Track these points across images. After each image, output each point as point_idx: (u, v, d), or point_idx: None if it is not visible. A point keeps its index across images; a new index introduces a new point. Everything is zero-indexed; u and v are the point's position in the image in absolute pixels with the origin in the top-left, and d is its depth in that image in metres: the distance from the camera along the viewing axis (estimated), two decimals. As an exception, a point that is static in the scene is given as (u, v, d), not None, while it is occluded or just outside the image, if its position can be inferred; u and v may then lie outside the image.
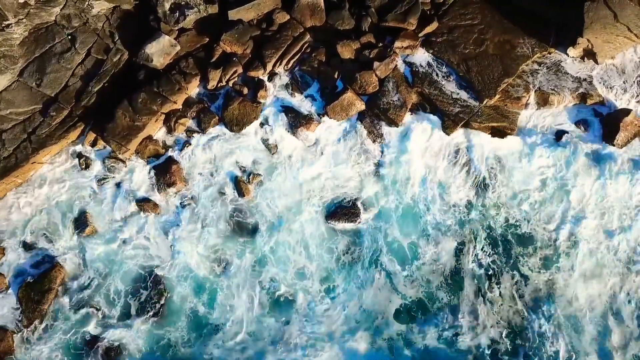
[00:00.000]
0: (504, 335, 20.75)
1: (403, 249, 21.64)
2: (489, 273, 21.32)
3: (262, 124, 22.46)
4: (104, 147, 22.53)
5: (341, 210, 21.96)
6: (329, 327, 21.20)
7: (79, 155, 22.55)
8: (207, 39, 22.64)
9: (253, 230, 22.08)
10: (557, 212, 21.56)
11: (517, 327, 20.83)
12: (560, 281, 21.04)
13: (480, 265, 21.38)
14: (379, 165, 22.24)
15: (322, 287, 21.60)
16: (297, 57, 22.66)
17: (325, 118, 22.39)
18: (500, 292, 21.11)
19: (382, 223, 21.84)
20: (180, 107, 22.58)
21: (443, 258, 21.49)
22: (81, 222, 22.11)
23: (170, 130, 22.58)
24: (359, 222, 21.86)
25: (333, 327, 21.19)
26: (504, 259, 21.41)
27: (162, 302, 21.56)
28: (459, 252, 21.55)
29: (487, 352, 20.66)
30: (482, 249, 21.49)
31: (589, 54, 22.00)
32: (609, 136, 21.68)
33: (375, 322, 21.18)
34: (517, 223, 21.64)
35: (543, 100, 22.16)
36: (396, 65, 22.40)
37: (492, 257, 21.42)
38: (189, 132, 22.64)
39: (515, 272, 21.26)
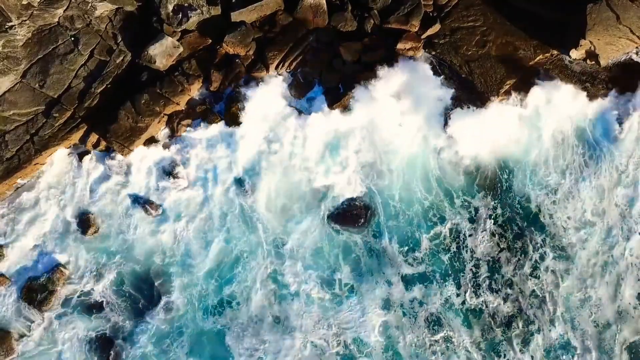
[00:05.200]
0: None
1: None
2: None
3: (265, 124, 22.50)
4: (107, 149, 22.52)
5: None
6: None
7: (82, 157, 22.53)
8: (210, 41, 22.65)
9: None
10: None
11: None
12: None
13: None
14: None
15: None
16: (299, 58, 22.68)
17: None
18: None
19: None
20: (183, 108, 22.61)
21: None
22: (83, 223, 22.12)
23: (173, 132, 22.60)
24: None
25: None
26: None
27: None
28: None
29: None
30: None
31: (592, 56, 22.01)
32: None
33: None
34: None
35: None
36: (398, 67, 22.40)
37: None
38: (192, 133, 22.64)
39: None
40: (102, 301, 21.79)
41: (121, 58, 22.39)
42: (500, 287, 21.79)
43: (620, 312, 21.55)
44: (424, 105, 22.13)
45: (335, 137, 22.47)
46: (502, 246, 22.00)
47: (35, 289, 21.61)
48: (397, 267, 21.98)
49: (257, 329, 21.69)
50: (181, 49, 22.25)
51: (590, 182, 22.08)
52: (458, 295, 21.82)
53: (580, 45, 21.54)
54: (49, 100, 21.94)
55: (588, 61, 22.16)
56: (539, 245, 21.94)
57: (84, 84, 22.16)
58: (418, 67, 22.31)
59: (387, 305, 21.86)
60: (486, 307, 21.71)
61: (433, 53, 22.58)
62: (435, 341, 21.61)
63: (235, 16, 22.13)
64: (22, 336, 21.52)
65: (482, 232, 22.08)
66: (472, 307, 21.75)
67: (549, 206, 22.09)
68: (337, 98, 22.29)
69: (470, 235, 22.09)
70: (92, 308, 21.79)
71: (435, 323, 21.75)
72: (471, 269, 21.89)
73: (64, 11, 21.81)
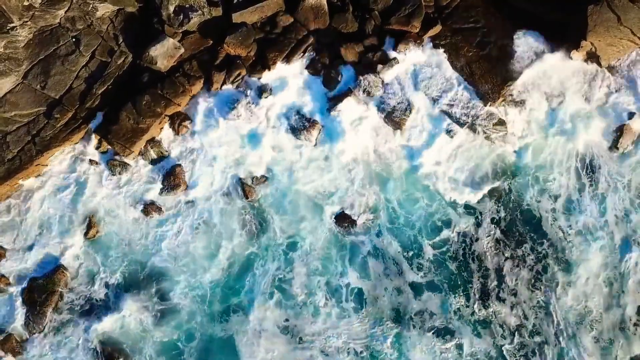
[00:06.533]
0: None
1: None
2: None
3: (266, 125, 22.46)
4: (108, 150, 22.51)
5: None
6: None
7: (83, 158, 22.54)
8: (211, 42, 22.66)
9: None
10: None
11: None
12: None
13: None
14: None
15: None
16: (300, 59, 22.68)
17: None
18: None
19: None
20: (184, 109, 22.62)
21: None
22: (85, 224, 22.13)
23: (174, 133, 22.60)
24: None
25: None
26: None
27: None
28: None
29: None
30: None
31: (593, 57, 22.00)
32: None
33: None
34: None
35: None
36: (400, 68, 22.43)
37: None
38: (193, 133, 22.65)
39: None
40: (103, 303, 21.80)
41: (122, 59, 22.41)
42: (506, 296, 21.74)
43: (622, 328, 21.45)
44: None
45: (337, 138, 22.51)
46: (506, 255, 21.94)
47: (37, 289, 21.63)
48: (404, 275, 21.95)
49: (266, 337, 21.60)
50: (182, 50, 22.26)
51: (591, 191, 22.11)
52: (467, 306, 21.71)
53: (582, 47, 21.54)
54: (51, 101, 21.96)
55: (589, 62, 22.16)
56: (541, 255, 21.90)
57: (85, 85, 22.18)
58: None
59: (397, 313, 21.75)
60: (495, 317, 21.60)
61: (434, 54, 22.58)
62: (447, 349, 21.47)
63: (237, 17, 22.14)
64: (23, 337, 21.53)
65: (486, 237, 22.03)
66: (481, 317, 21.64)
67: (549, 214, 22.04)
68: (338, 99, 22.33)
69: (477, 240, 22.03)
70: (94, 310, 21.76)
71: (445, 332, 21.59)
72: (479, 278, 21.84)
73: (65, 12, 21.82)
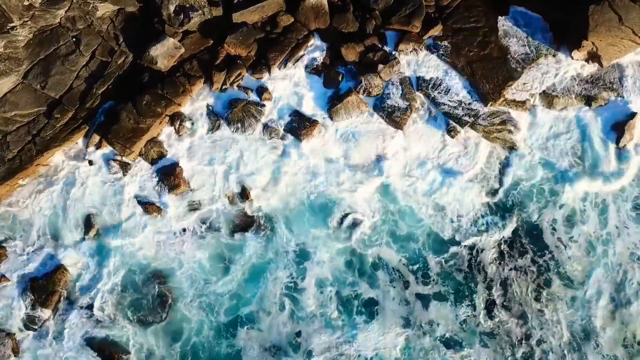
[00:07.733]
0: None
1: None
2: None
3: (267, 126, 22.45)
4: (108, 150, 22.49)
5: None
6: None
7: (84, 158, 22.53)
8: (212, 42, 22.66)
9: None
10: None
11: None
12: None
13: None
14: None
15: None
16: (301, 59, 22.66)
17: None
18: None
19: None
20: (185, 109, 22.59)
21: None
22: (85, 224, 22.13)
23: (174, 132, 22.57)
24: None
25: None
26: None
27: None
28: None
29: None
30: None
31: (594, 57, 21.96)
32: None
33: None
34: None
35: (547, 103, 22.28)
36: (400, 68, 22.41)
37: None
38: (193, 133, 22.63)
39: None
40: (104, 304, 21.75)
41: (122, 59, 22.41)
42: (512, 306, 21.60)
43: (626, 345, 21.18)
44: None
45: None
46: (511, 266, 21.77)
47: (37, 289, 21.63)
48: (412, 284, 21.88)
49: (275, 350, 21.55)
50: (182, 50, 22.26)
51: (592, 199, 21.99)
52: (474, 317, 21.55)
53: (583, 46, 21.50)
54: (51, 101, 21.96)
55: (590, 62, 22.12)
56: (543, 269, 21.71)
57: (85, 85, 22.18)
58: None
59: (406, 323, 21.61)
60: (500, 326, 21.44)
61: (435, 54, 22.56)
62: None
63: (237, 17, 22.13)
64: (24, 336, 21.52)
65: (492, 248, 21.87)
66: (488, 328, 21.47)
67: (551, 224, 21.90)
68: (339, 99, 22.29)
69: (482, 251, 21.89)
70: (93, 312, 21.70)
71: (454, 342, 21.44)
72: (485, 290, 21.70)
73: (65, 12, 21.82)
